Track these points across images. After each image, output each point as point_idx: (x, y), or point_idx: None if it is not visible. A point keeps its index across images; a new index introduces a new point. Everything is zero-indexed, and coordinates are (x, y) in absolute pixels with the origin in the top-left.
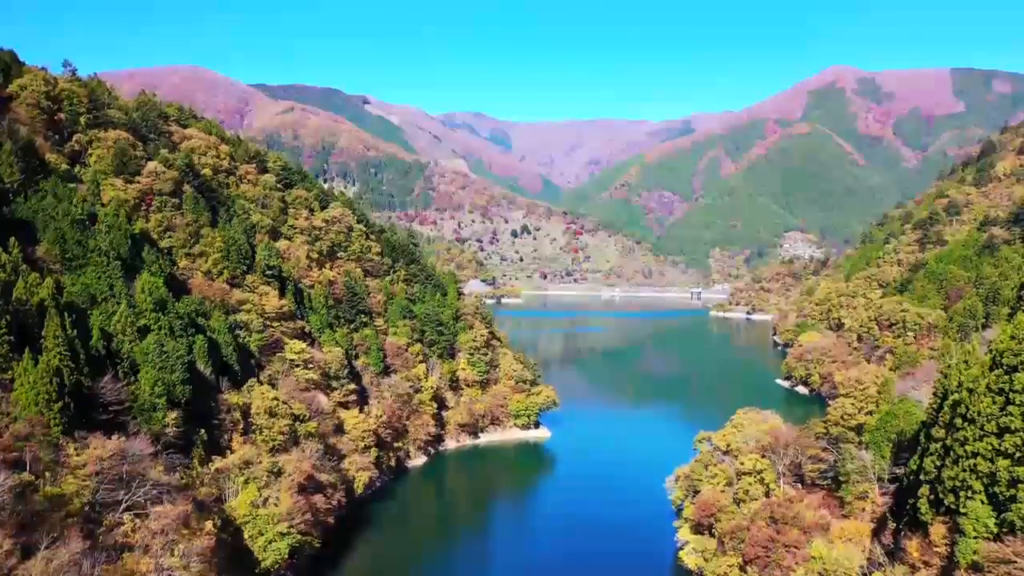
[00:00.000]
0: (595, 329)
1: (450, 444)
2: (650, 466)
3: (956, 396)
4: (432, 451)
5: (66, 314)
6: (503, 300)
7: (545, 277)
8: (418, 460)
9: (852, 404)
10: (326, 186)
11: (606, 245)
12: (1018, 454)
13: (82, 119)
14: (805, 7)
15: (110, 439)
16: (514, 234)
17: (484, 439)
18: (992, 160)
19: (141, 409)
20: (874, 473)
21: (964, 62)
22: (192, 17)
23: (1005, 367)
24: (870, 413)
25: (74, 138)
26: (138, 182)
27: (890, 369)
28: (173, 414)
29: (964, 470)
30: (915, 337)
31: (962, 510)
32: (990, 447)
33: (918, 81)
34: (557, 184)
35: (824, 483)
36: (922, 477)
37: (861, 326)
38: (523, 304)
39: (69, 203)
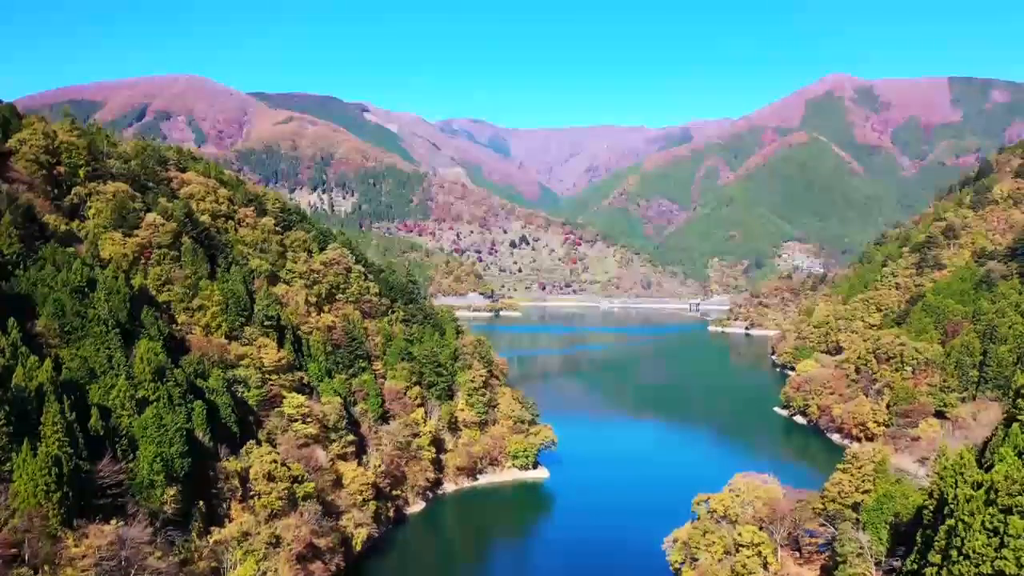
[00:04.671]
0: (595, 347)
1: (448, 487)
2: (649, 509)
3: (951, 522)
4: (431, 495)
5: (65, 397)
6: (501, 313)
7: (544, 288)
8: (417, 506)
9: (849, 481)
10: (324, 197)
11: (605, 256)
12: None
13: (81, 172)
14: (803, 15)
15: (108, 524)
16: (513, 245)
17: (483, 480)
18: (989, 182)
19: (140, 487)
20: (871, 555)
21: (962, 71)
22: (191, 23)
23: (1000, 507)
24: (867, 492)
25: (73, 191)
26: (137, 235)
27: (887, 405)
28: (172, 490)
29: None
30: (913, 372)
31: None
32: None
33: (916, 90)
34: (556, 191)
35: (822, 555)
36: None
37: (859, 358)
38: (522, 317)
39: (68, 270)
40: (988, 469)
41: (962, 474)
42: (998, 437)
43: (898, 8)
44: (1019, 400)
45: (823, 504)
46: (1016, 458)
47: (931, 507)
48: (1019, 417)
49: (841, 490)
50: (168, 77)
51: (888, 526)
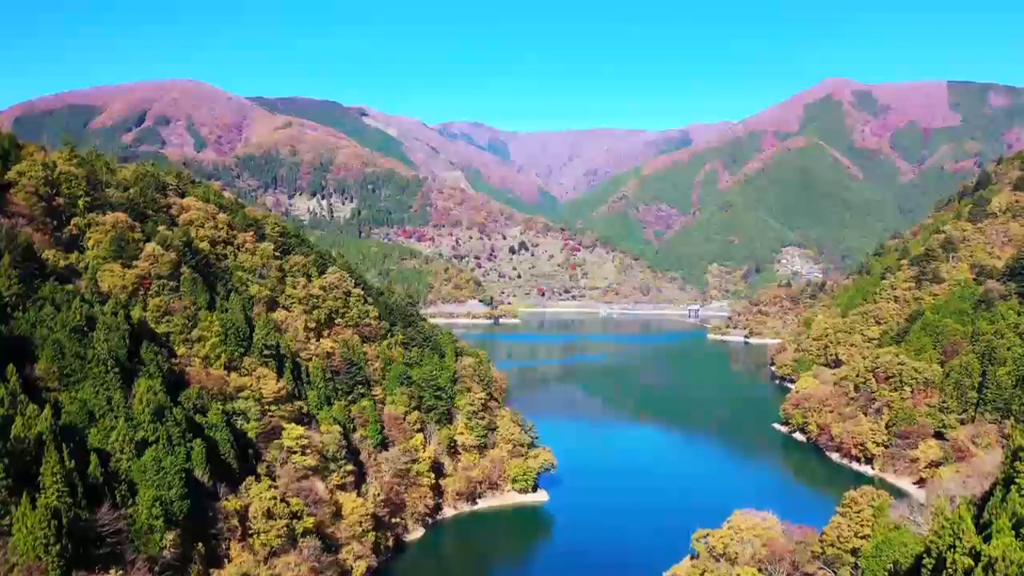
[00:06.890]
0: (593, 357)
1: (448, 512)
2: (648, 533)
3: None
4: (430, 521)
5: (64, 444)
6: (501, 320)
7: (543, 294)
8: (416, 533)
9: (848, 526)
10: (324, 203)
11: (604, 262)
12: None
13: (80, 202)
14: (802, 19)
15: (107, 573)
16: (512, 251)
17: (482, 504)
18: (988, 193)
19: (139, 533)
20: None
21: (960, 75)
22: (191, 28)
23: None
24: (865, 537)
25: (72, 222)
26: (136, 266)
27: (886, 425)
28: (171, 535)
29: None
30: (912, 392)
31: None
32: None
33: (914, 94)
34: (555, 195)
35: None
36: None
37: (858, 375)
38: (521, 324)
39: (68, 309)
40: (987, 539)
41: (960, 537)
42: (996, 499)
43: (897, 11)
44: (1017, 462)
45: (822, 548)
46: (1012, 534)
47: (929, 566)
48: (1016, 480)
49: (840, 534)
50: (167, 82)
51: (887, 573)
